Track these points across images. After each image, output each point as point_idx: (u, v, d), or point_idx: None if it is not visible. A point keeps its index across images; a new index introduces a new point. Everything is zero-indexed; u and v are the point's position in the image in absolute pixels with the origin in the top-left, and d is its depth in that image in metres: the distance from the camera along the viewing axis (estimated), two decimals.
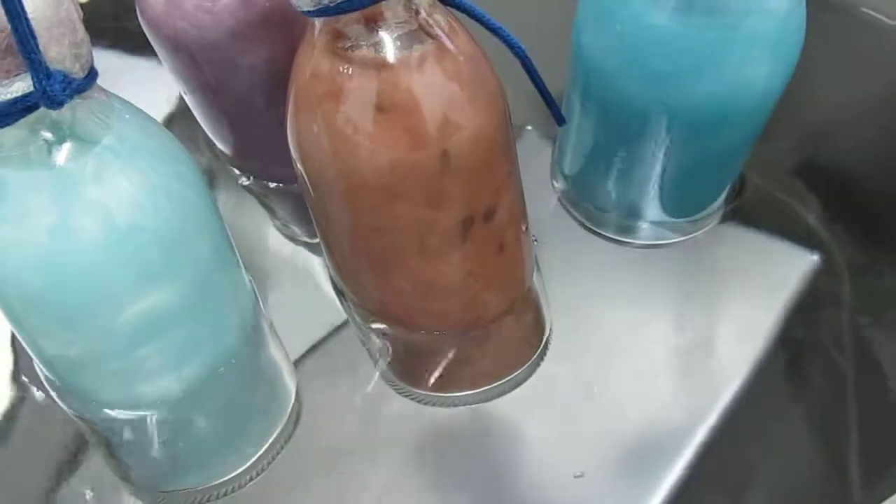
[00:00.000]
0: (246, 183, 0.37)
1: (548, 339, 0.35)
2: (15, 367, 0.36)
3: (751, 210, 0.40)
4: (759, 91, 0.31)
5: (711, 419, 0.33)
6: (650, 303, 0.37)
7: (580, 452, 0.33)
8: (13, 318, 0.24)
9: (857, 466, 0.32)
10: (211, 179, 0.42)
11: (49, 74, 0.19)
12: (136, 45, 0.45)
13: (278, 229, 0.41)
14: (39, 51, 0.19)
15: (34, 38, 0.18)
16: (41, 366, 0.27)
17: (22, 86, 0.19)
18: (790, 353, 0.35)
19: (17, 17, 0.18)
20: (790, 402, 0.34)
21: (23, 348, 0.26)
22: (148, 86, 0.43)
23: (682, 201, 0.37)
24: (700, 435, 0.33)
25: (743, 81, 0.30)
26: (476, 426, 0.33)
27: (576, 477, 0.32)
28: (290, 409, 0.33)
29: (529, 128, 0.44)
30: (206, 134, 0.36)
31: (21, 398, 0.35)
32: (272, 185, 0.36)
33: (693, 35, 0.29)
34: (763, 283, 0.37)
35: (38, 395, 0.34)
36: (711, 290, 0.38)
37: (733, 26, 0.28)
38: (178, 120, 0.43)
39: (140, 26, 0.30)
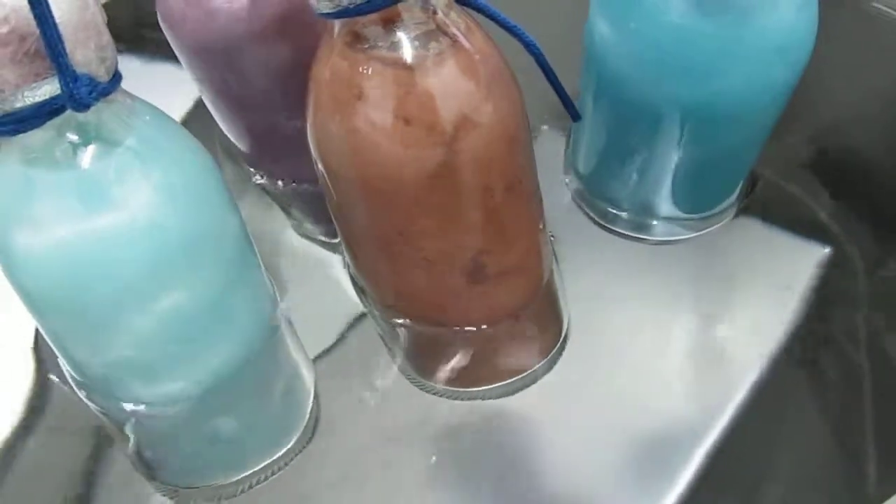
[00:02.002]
0: (263, 183, 0.38)
1: (566, 335, 0.35)
2: (39, 363, 0.36)
3: (764, 206, 0.40)
4: (772, 87, 0.31)
5: (726, 415, 0.33)
6: (664, 299, 0.37)
7: (595, 449, 0.33)
8: (38, 315, 0.25)
9: (873, 461, 0.32)
10: (228, 179, 0.42)
11: (76, 78, 0.19)
12: (153, 46, 0.45)
13: (295, 229, 0.41)
14: (66, 55, 0.19)
15: (62, 42, 0.19)
16: (65, 363, 0.27)
17: (49, 89, 0.20)
18: (805, 348, 0.35)
19: (46, 21, 0.18)
20: (805, 398, 0.34)
21: (47, 345, 0.26)
22: (165, 87, 0.43)
23: (696, 197, 0.37)
24: (714, 431, 0.33)
25: (755, 78, 0.30)
26: (495, 422, 0.34)
27: (590, 473, 0.32)
28: (310, 407, 0.34)
29: (543, 126, 0.44)
30: (223, 134, 0.36)
31: (46, 395, 0.35)
32: (290, 185, 0.36)
33: (705, 32, 0.29)
34: (777, 278, 0.37)
35: (63, 391, 0.35)
36: (725, 287, 0.38)
37: (745, 23, 0.28)
38: (195, 121, 0.43)
39: (157, 29, 0.31)
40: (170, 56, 0.32)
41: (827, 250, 0.38)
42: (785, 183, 0.41)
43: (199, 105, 0.35)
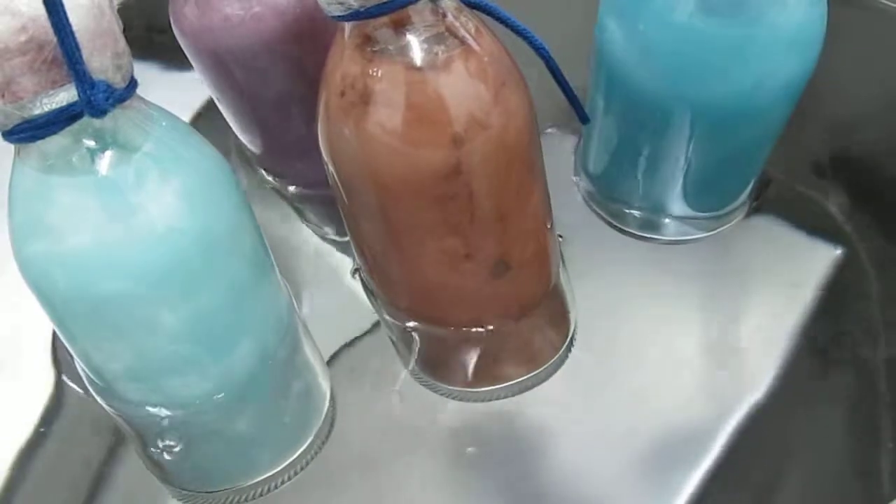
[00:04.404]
0: (277, 186, 0.38)
1: (573, 336, 0.36)
2: (56, 365, 0.37)
3: (775, 205, 0.40)
4: (782, 86, 0.31)
5: (738, 415, 0.33)
6: (675, 299, 0.37)
7: (605, 449, 0.33)
8: (55, 318, 0.25)
9: (887, 459, 0.32)
10: (243, 182, 0.42)
11: (92, 84, 0.20)
12: (166, 52, 0.45)
13: (311, 229, 0.41)
14: (83, 62, 0.19)
15: (79, 50, 0.19)
16: (82, 365, 0.27)
17: (66, 96, 0.20)
18: (817, 348, 0.35)
19: (64, 30, 0.18)
20: (818, 397, 0.34)
21: (64, 348, 0.27)
22: (179, 92, 0.44)
23: (706, 197, 0.37)
24: (726, 431, 0.33)
25: (766, 77, 0.30)
26: (505, 422, 0.34)
27: (600, 473, 0.32)
28: (325, 409, 0.34)
29: (552, 127, 0.44)
30: (236, 137, 0.36)
31: (61, 397, 0.36)
32: (303, 188, 0.37)
33: (715, 32, 0.29)
34: (788, 278, 0.37)
35: (79, 394, 0.35)
36: (736, 286, 0.37)
37: (755, 22, 0.28)
38: (210, 124, 0.44)
39: (170, 34, 0.31)
40: (183, 61, 0.32)
41: (839, 248, 0.38)
42: (796, 182, 0.41)
43: (213, 109, 0.35)
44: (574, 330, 0.36)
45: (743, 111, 0.31)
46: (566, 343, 0.35)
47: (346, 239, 0.39)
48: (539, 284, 0.31)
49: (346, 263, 0.39)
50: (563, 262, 0.34)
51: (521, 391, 0.34)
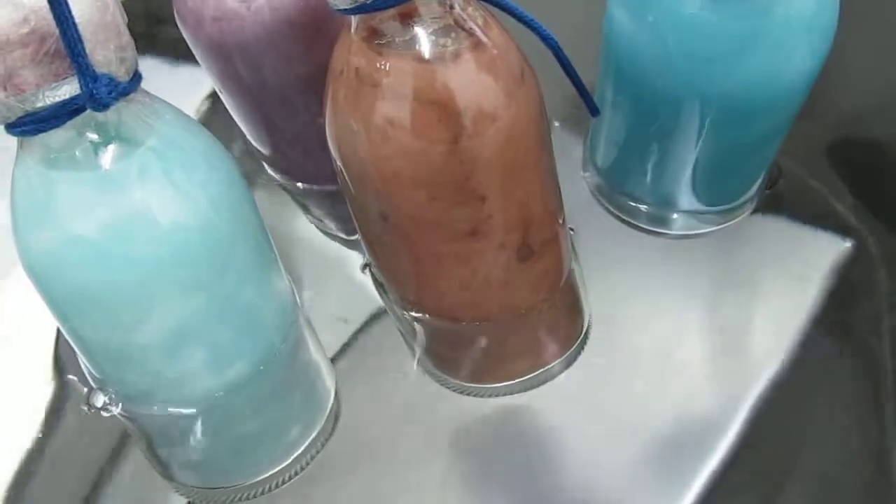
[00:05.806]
0: (282, 182, 0.38)
1: (587, 330, 0.35)
2: (58, 362, 0.37)
3: (784, 199, 0.40)
4: (794, 77, 0.31)
5: (747, 409, 0.33)
6: (685, 293, 0.37)
7: (616, 443, 0.33)
8: (59, 314, 0.25)
9: None
10: (247, 178, 0.42)
11: (95, 78, 0.20)
12: (170, 45, 0.45)
13: (314, 224, 0.41)
14: (86, 55, 0.19)
15: (81, 42, 0.19)
16: (86, 362, 0.27)
17: (69, 89, 0.20)
18: (826, 342, 0.35)
19: (66, 22, 0.18)
20: (827, 391, 0.34)
21: (68, 345, 0.27)
22: (184, 86, 0.44)
23: (717, 190, 0.37)
24: (736, 425, 0.33)
25: (777, 68, 0.30)
26: (515, 417, 0.34)
27: (610, 469, 0.32)
28: (329, 405, 0.34)
29: (561, 120, 0.44)
30: (241, 133, 0.36)
31: (65, 394, 0.36)
32: (308, 185, 0.36)
33: (726, 22, 0.28)
34: (797, 272, 0.37)
35: (83, 391, 0.35)
36: (746, 280, 0.37)
37: (766, 12, 0.28)
38: (214, 119, 0.44)
39: (174, 27, 0.31)
40: (188, 54, 0.32)
41: (848, 242, 0.38)
42: (805, 175, 0.41)
43: (217, 103, 0.35)
44: (588, 325, 0.36)
45: (754, 103, 0.31)
46: (580, 338, 0.35)
47: (353, 237, 0.39)
48: (551, 279, 0.31)
49: (350, 259, 0.39)
50: (577, 256, 0.33)
51: (533, 387, 0.34)
